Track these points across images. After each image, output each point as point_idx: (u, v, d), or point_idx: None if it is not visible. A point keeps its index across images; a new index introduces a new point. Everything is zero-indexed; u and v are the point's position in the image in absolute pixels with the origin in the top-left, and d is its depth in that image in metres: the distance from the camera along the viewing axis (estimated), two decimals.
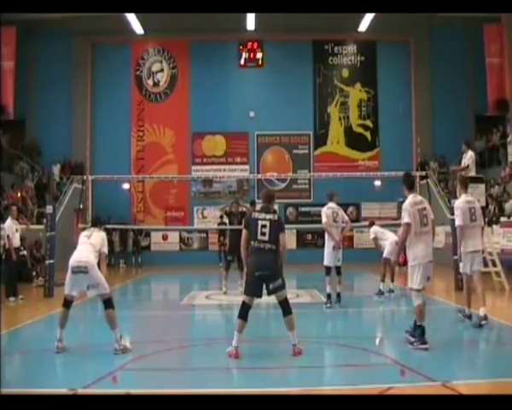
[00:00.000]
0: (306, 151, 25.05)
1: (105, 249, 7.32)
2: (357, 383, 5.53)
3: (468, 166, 12.61)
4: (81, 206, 13.86)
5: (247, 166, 24.88)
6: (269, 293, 6.57)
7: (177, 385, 5.53)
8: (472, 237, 8.50)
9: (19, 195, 19.53)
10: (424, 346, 6.65)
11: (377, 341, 8.09)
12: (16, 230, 12.30)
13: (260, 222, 6.49)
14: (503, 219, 16.70)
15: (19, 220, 13.66)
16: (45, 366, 6.46)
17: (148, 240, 24.33)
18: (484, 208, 13.09)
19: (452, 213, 12.86)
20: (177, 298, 13.92)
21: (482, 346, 7.44)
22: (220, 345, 7.17)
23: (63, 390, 5.12)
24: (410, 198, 7.02)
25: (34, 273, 15.43)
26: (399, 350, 6.89)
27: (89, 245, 7.16)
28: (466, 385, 5.21)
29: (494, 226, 16.57)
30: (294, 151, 25.00)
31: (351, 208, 23.88)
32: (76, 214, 14.71)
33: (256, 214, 6.67)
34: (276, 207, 22.40)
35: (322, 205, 10.99)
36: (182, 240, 24.42)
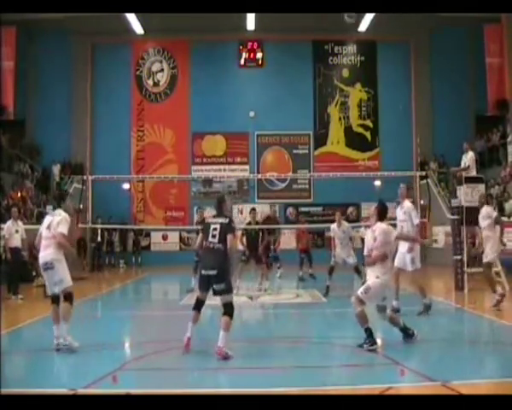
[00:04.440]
0: (306, 151, 25.05)
1: (62, 229, 6.95)
2: (357, 383, 5.53)
3: (468, 166, 12.62)
4: (81, 206, 13.85)
5: (247, 167, 24.89)
6: (213, 293, 6.71)
7: (177, 385, 5.53)
8: None
9: (19, 195, 19.52)
10: (374, 346, 6.75)
11: (377, 341, 8.08)
12: (16, 231, 12.34)
13: (212, 226, 6.79)
14: (503, 219, 16.68)
15: (22, 220, 13.72)
16: (45, 366, 6.46)
17: (148, 240, 24.34)
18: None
19: (453, 213, 12.92)
20: (176, 298, 13.91)
21: (482, 346, 7.43)
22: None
23: (63, 390, 5.11)
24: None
25: (34, 273, 15.43)
26: (399, 350, 6.89)
27: (50, 240, 6.97)
28: (466, 385, 5.20)
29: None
30: (294, 151, 25.01)
31: (351, 208, 23.91)
32: (76, 214, 14.72)
33: (210, 219, 7.03)
34: (273, 207, 22.44)
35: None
36: (182, 240, 24.41)
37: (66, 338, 6.80)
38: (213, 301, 12.08)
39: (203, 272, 6.71)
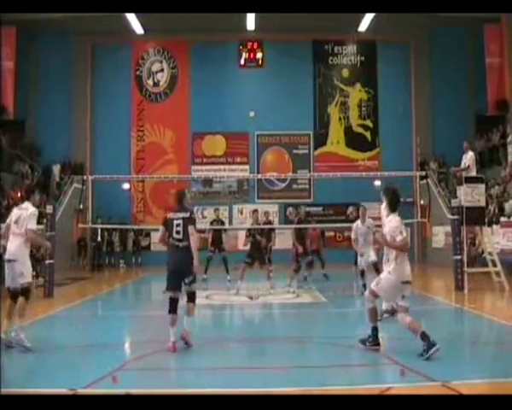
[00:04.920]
0: (306, 151, 25.05)
1: (30, 225, 7.16)
2: (357, 383, 5.53)
3: (468, 166, 12.63)
4: (81, 206, 13.86)
5: (247, 166, 24.88)
6: (184, 285, 7.17)
7: (177, 385, 5.53)
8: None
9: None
10: (376, 347, 6.68)
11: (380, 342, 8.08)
12: None
13: (175, 222, 7.07)
14: (503, 219, 16.71)
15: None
16: (45, 366, 6.45)
17: (148, 240, 24.30)
18: (484, 208, 13.12)
19: (453, 213, 12.92)
20: None
21: (482, 346, 7.44)
22: (220, 345, 7.17)
23: (63, 390, 5.11)
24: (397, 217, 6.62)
25: (34, 273, 15.42)
26: (399, 350, 6.89)
27: (17, 235, 7.16)
28: (466, 385, 5.20)
29: (494, 226, 16.58)
30: (294, 151, 25.00)
31: (351, 208, 23.86)
32: (76, 214, 14.73)
33: (171, 215, 7.19)
34: (271, 208, 22.34)
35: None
36: None
37: (18, 334, 6.84)
38: (214, 301, 12.13)
39: (172, 269, 7.16)
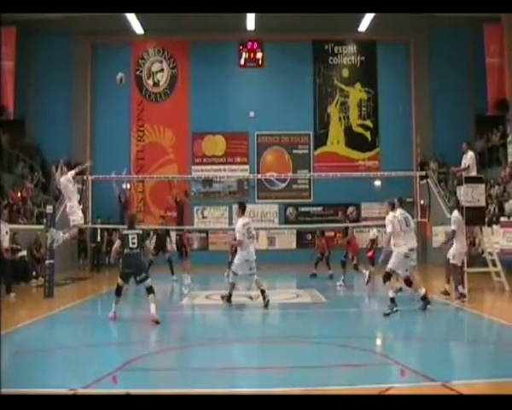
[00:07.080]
0: (306, 151, 25.04)
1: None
2: (357, 383, 5.53)
3: (468, 166, 12.61)
4: (81, 206, 13.85)
5: (247, 166, 24.88)
6: (136, 283, 9.24)
7: (177, 385, 5.53)
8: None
9: (19, 195, 19.52)
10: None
11: (377, 341, 8.09)
12: (6, 232, 12.65)
13: (130, 236, 9.31)
14: (503, 219, 16.70)
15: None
16: (45, 366, 6.45)
17: (148, 240, 24.28)
18: (484, 208, 13.10)
19: (452, 213, 12.90)
20: (177, 298, 13.92)
21: (482, 346, 7.44)
22: (220, 345, 7.17)
23: (63, 390, 5.12)
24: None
25: (34, 273, 15.48)
26: (399, 350, 6.89)
27: None
28: (466, 385, 5.20)
29: (494, 226, 16.58)
30: (294, 151, 25.00)
31: (351, 208, 23.84)
32: None
33: (125, 231, 9.44)
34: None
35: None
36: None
37: None
38: (214, 301, 12.14)
39: (127, 270, 9.16)
